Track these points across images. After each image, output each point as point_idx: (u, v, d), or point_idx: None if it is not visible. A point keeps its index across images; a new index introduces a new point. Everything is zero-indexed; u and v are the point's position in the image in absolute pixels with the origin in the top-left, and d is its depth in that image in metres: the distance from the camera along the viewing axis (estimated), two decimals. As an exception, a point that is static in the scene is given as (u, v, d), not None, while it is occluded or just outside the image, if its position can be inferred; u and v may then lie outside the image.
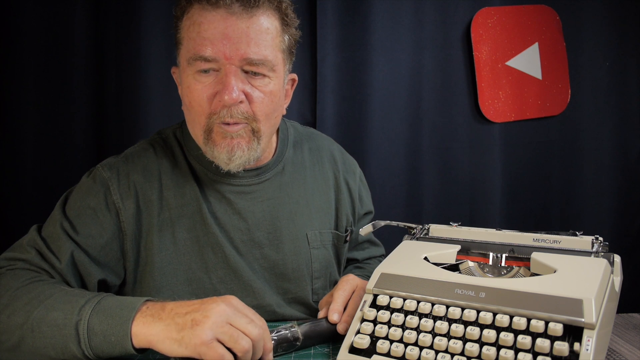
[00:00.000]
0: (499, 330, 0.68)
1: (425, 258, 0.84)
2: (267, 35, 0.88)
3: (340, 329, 0.83)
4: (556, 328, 0.64)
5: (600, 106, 1.79)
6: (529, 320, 0.67)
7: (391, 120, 1.70)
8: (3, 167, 1.55)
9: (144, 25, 1.55)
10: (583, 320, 0.63)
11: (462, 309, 0.72)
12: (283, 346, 0.80)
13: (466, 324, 0.71)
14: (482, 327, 0.69)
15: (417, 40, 1.70)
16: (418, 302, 0.75)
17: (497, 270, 0.84)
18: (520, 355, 0.64)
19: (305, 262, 1.04)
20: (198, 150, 0.96)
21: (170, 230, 0.95)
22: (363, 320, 0.77)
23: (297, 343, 0.81)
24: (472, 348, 0.67)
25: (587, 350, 0.61)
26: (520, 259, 0.84)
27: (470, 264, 0.86)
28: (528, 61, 1.76)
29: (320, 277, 1.06)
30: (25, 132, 1.55)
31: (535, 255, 0.80)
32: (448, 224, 0.95)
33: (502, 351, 0.65)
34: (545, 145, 1.79)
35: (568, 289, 0.68)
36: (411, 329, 0.73)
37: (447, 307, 0.73)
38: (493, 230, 0.90)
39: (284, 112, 1.00)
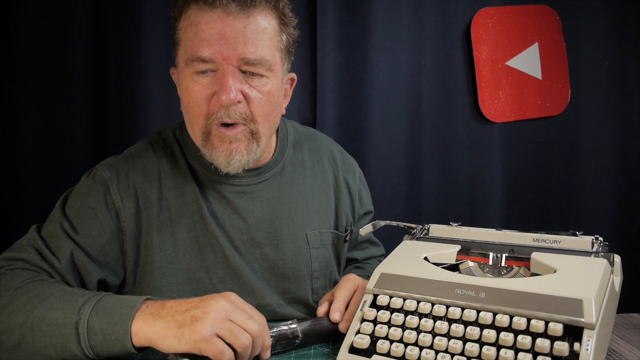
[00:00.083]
0: (499, 330, 0.68)
1: (425, 258, 0.84)
2: (264, 35, 0.88)
3: (341, 328, 0.83)
4: (556, 328, 0.64)
5: (600, 106, 1.79)
6: (529, 320, 0.67)
7: (391, 120, 1.70)
8: (3, 167, 1.55)
9: (144, 25, 1.55)
10: (583, 320, 0.63)
11: (462, 309, 0.72)
12: (282, 343, 0.80)
13: (466, 324, 0.71)
14: (482, 327, 0.69)
15: (417, 40, 1.70)
16: (418, 302, 0.75)
17: (497, 270, 0.84)
18: (520, 355, 0.64)
19: (305, 261, 1.04)
20: (197, 151, 0.96)
21: (170, 230, 0.95)
22: (363, 320, 0.77)
23: (297, 341, 0.81)
24: (472, 348, 0.67)
25: (587, 350, 0.61)
26: (520, 259, 0.84)
27: (470, 264, 0.86)
28: (528, 61, 1.76)
29: (320, 277, 1.06)
30: (25, 132, 1.55)
31: (535, 255, 0.80)
32: (448, 224, 0.95)
33: (502, 351, 0.65)
34: (545, 145, 1.79)
35: (568, 289, 0.68)
36: (411, 329, 0.73)
37: (447, 307, 0.73)
38: (493, 230, 0.90)
39: (283, 111, 1.00)
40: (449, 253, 0.87)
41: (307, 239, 1.04)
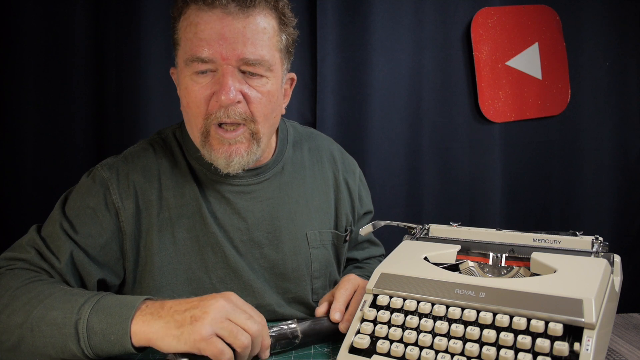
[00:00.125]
0: (499, 330, 0.68)
1: (425, 258, 0.84)
2: (263, 35, 0.88)
3: (342, 328, 0.83)
4: (556, 328, 0.64)
5: (600, 106, 1.79)
6: (529, 320, 0.67)
7: (391, 120, 1.70)
8: (3, 167, 1.55)
9: (144, 25, 1.55)
10: (583, 320, 0.63)
11: (462, 309, 0.72)
12: (281, 343, 0.80)
13: (466, 324, 0.71)
14: (482, 327, 0.69)
15: (417, 40, 1.70)
16: (418, 302, 0.75)
17: (497, 270, 0.84)
18: (520, 355, 0.64)
19: (304, 261, 1.04)
20: (197, 151, 0.96)
21: (170, 230, 0.95)
22: (363, 320, 0.77)
23: (296, 341, 0.81)
24: (472, 348, 0.67)
25: (587, 350, 0.61)
26: (520, 259, 0.84)
27: (470, 264, 0.86)
28: (528, 61, 1.76)
29: (320, 276, 1.06)
30: (25, 132, 1.55)
31: (535, 255, 0.80)
32: (448, 224, 0.95)
33: (502, 351, 0.65)
34: (545, 145, 1.79)
35: (568, 289, 0.68)
36: (411, 329, 0.73)
37: (447, 307, 0.73)
38: (493, 230, 0.90)
39: (283, 111, 1.00)
40: (449, 253, 0.87)
41: (307, 239, 1.04)
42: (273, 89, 0.92)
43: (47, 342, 0.73)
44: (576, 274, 0.72)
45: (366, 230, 0.97)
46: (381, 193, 1.69)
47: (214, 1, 0.84)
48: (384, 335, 0.74)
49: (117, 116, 1.58)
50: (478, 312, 0.71)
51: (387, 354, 0.72)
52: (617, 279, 0.77)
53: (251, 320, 0.73)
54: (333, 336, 0.85)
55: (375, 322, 0.77)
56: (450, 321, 0.72)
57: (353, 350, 0.75)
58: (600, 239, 0.82)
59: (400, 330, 0.73)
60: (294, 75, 1.03)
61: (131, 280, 0.95)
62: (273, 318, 0.99)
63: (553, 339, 0.64)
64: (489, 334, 0.67)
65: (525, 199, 1.80)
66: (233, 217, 0.98)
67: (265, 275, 1.01)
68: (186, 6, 0.88)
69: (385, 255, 1.19)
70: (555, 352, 0.63)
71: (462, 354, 0.68)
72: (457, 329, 0.70)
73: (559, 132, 1.79)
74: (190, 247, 0.96)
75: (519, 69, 1.75)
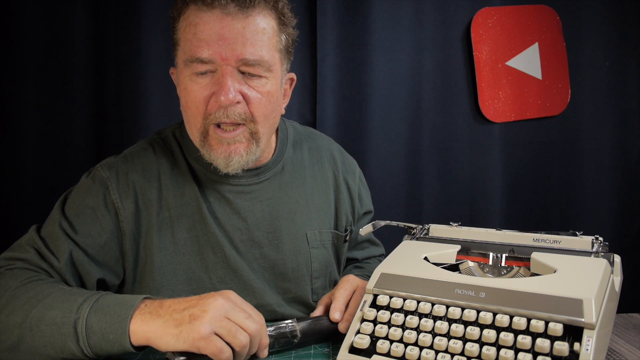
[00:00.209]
0: (499, 330, 0.68)
1: (425, 258, 0.84)
2: (263, 36, 0.87)
3: (341, 327, 0.83)
4: (556, 328, 0.64)
5: (600, 106, 1.79)
6: (529, 320, 0.67)
7: (391, 120, 1.70)
8: (3, 167, 1.55)
9: (144, 25, 1.55)
10: (583, 320, 0.63)
11: (462, 309, 0.72)
12: (280, 342, 0.80)
13: (466, 324, 0.71)
14: (482, 327, 0.69)
15: (417, 40, 1.70)
16: (418, 302, 0.75)
17: (497, 270, 0.84)
18: (520, 355, 0.64)
19: (304, 261, 1.04)
20: (197, 151, 0.96)
21: (169, 230, 0.95)
22: (363, 320, 0.77)
23: (295, 340, 0.81)
24: (472, 348, 0.67)
25: (587, 350, 0.61)
26: (520, 259, 0.84)
27: (470, 264, 0.86)
28: (528, 61, 1.76)
29: (320, 276, 1.06)
30: (25, 132, 1.55)
31: (535, 255, 0.80)
32: (448, 224, 0.95)
33: (502, 351, 0.65)
34: (545, 145, 1.79)
35: (568, 289, 0.68)
36: (411, 329, 0.73)
37: (447, 307, 0.73)
38: (493, 230, 0.90)
39: (283, 111, 1.00)
40: (449, 253, 0.87)
41: (307, 238, 1.04)
42: (273, 89, 0.92)
43: (47, 341, 0.73)
44: (576, 274, 0.72)
45: (366, 230, 0.97)
46: (381, 193, 1.69)
47: (213, 1, 0.84)
48: (384, 335, 0.74)
49: (117, 116, 1.58)
50: (478, 312, 0.71)
51: (387, 354, 0.72)
52: (617, 279, 0.77)
53: (250, 319, 0.73)
54: (333, 335, 0.85)
55: (375, 322, 0.76)
56: (450, 321, 0.72)
57: (353, 350, 0.75)
58: (600, 239, 0.82)
59: (400, 330, 0.73)
60: (293, 75, 1.03)
61: (131, 280, 0.95)
62: (273, 318, 0.99)
63: (553, 339, 0.64)
64: (489, 334, 0.67)
65: (525, 199, 1.80)
66: (233, 217, 0.98)
67: (265, 275, 1.01)
68: (185, 6, 0.88)
69: (385, 255, 1.19)
70: (555, 352, 0.63)
71: (462, 354, 0.68)
72: (457, 329, 0.70)
73: (559, 132, 1.79)
74: (190, 247, 0.96)
75: (519, 69, 1.75)
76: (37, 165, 1.56)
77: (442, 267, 0.81)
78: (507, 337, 0.66)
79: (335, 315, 0.84)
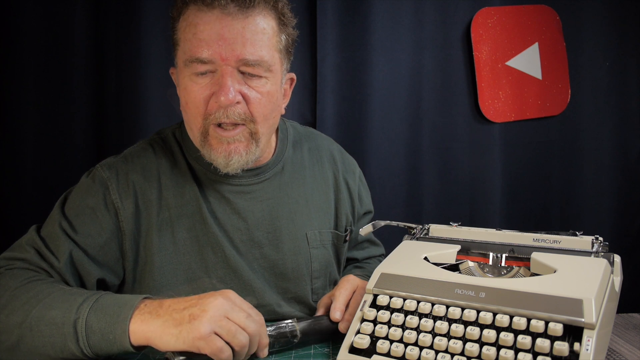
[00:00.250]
0: (499, 330, 0.68)
1: (425, 258, 0.84)
2: (263, 36, 0.88)
3: (341, 327, 0.83)
4: (556, 328, 0.64)
5: (600, 106, 1.79)
6: (529, 320, 0.67)
7: (391, 120, 1.70)
8: (3, 167, 1.55)
9: (144, 25, 1.55)
10: (583, 320, 0.63)
11: (462, 309, 0.72)
12: (280, 342, 0.80)
13: (466, 324, 0.71)
14: (482, 327, 0.69)
15: (417, 40, 1.70)
16: (418, 302, 0.75)
17: (497, 270, 0.84)
18: (520, 355, 0.64)
19: (304, 261, 1.04)
20: (197, 151, 0.96)
21: (169, 230, 0.95)
22: (363, 320, 0.77)
23: (295, 340, 0.81)
24: (472, 348, 0.67)
25: (587, 350, 0.61)
26: (520, 259, 0.84)
27: (470, 264, 0.86)
28: (528, 61, 1.76)
29: (320, 276, 1.06)
30: (25, 132, 1.55)
31: (535, 255, 0.80)
32: (448, 224, 0.95)
33: (502, 351, 0.65)
34: (545, 145, 1.79)
35: (568, 289, 0.68)
36: (411, 329, 0.73)
37: (447, 307, 0.73)
38: (493, 230, 0.90)
39: (283, 111, 1.01)
40: (449, 253, 0.87)
41: (307, 238, 1.04)
42: (272, 90, 0.92)
43: (46, 341, 0.73)
44: (576, 274, 0.72)
45: (366, 230, 0.97)
46: (381, 193, 1.69)
47: (213, 2, 0.84)
48: (384, 335, 0.74)
49: (117, 116, 1.58)
50: (478, 312, 0.71)
51: (387, 354, 0.72)
52: (617, 279, 0.77)
53: (249, 319, 0.73)
54: (333, 335, 0.85)
55: (375, 322, 0.76)
56: (450, 321, 0.72)
57: (353, 350, 0.75)
58: (600, 239, 0.82)
59: (400, 330, 0.73)
60: (293, 75, 1.03)
61: (131, 280, 0.95)
62: (273, 318, 0.99)
63: (553, 339, 0.64)
64: (489, 334, 0.67)
65: (525, 199, 1.80)
66: (233, 217, 0.98)
67: (265, 275, 1.01)
68: (185, 7, 0.88)
69: (385, 255, 1.19)
70: (555, 352, 0.63)
71: (462, 354, 0.68)
72: (457, 329, 0.70)
73: (559, 132, 1.79)
74: (190, 247, 0.96)
75: (519, 69, 1.75)
76: (37, 165, 1.56)
77: (442, 267, 0.81)
78: (507, 337, 0.66)
79: (335, 314, 0.84)
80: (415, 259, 0.84)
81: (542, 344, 0.64)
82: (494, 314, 0.69)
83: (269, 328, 0.79)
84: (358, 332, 0.76)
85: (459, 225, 0.94)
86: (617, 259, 0.78)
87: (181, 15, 0.89)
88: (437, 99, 1.73)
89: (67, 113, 1.56)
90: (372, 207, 1.22)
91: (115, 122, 1.59)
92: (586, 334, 0.63)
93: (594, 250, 0.80)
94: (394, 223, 0.98)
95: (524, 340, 0.65)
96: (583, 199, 1.80)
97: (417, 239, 0.93)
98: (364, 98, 1.68)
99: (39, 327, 0.74)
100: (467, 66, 1.73)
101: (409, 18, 1.69)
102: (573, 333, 0.65)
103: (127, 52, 1.56)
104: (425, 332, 0.72)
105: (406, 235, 0.96)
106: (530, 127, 1.78)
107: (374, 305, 0.79)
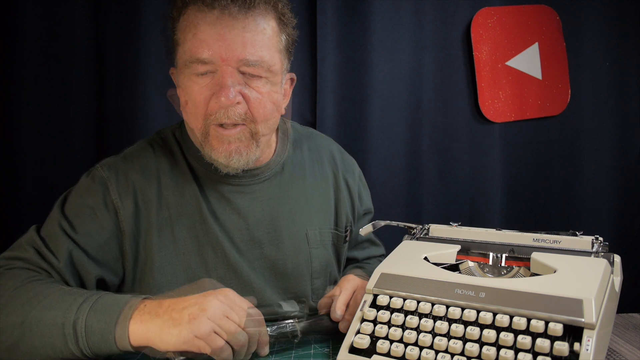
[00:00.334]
0: (499, 330, 0.68)
1: (425, 258, 0.84)
2: (263, 36, 0.88)
3: (341, 327, 0.83)
4: (556, 328, 0.64)
5: (600, 106, 1.79)
6: (529, 320, 0.67)
7: (391, 120, 1.70)
8: (3, 167, 1.55)
9: (144, 25, 1.55)
10: (583, 320, 0.63)
11: (462, 309, 0.72)
12: (281, 341, 0.80)
13: (466, 324, 0.71)
14: (482, 327, 0.69)
15: (417, 40, 1.70)
16: (418, 302, 0.75)
17: (497, 270, 0.84)
18: (520, 355, 0.64)
19: (304, 261, 1.04)
20: (197, 151, 0.96)
21: (169, 230, 0.95)
22: (363, 320, 0.77)
23: (295, 340, 0.81)
24: (472, 348, 0.67)
25: (587, 350, 0.61)
26: (520, 259, 0.84)
27: (470, 264, 0.86)
28: (528, 61, 1.75)
29: (320, 276, 1.06)
30: (25, 132, 1.55)
31: (535, 255, 0.80)
32: (448, 224, 0.95)
33: (502, 351, 0.65)
34: (545, 145, 1.79)
35: (568, 289, 0.68)
36: (411, 329, 0.73)
37: (447, 307, 0.73)
38: (493, 230, 0.90)
39: (283, 111, 1.00)
40: (449, 253, 0.87)
41: (307, 238, 1.04)
42: (273, 90, 0.92)
43: (46, 341, 0.73)
44: (576, 274, 0.72)
45: (366, 230, 0.98)
46: (381, 193, 1.68)
47: (213, 2, 0.84)
48: (384, 335, 0.74)
49: (117, 116, 1.58)
50: (478, 312, 0.71)
51: (387, 354, 0.72)
52: (617, 279, 0.77)
53: (249, 318, 0.73)
54: (333, 335, 0.85)
55: (375, 322, 0.76)
56: (450, 321, 0.72)
57: (353, 350, 0.75)
58: (600, 239, 0.82)
59: (400, 330, 0.73)
60: (293, 75, 1.03)
61: (131, 280, 0.95)
62: (273, 317, 0.99)
63: (553, 339, 0.64)
64: (489, 334, 0.67)
65: (525, 199, 1.80)
66: (233, 217, 0.98)
67: (265, 274, 1.01)
68: (186, 7, 0.88)
69: (385, 255, 1.19)
70: (555, 352, 0.63)
71: (462, 354, 0.68)
72: (457, 329, 0.70)
73: (559, 132, 1.79)
74: (190, 247, 0.96)
75: (519, 69, 1.75)
76: (37, 165, 1.56)
77: (442, 267, 0.81)
78: (507, 337, 0.66)
79: (336, 314, 0.84)
80: (415, 259, 0.84)
81: (542, 344, 0.64)
82: (494, 314, 0.69)
83: (270, 328, 0.79)
84: (358, 332, 0.76)
85: (459, 225, 0.94)
86: (617, 259, 0.78)
87: (181, 15, 0.89)
88: (437, 99, 1.73)
89: (67, 113, 1.56)
90: (372, 206, 1.22)
91: (115, 122, 1.59)
92: (586, 334, 0.63)
93: (594, 250, 0.80)
94: (394, 223, 0.98)
95: (524, 340, 0.65)
96: (583, 199, 1.80)
97: (417, 239, 0.93)
98: (364, 98, 1.68)
99: (39, 327, 0.74)
100: (467, 66, 1.73)
101: (409, 18, 1.69)
102: (573, 333, 0.65)
103: (127, 52, 1.56)
104: (425, 332, 0.72)
105: (406, 235, 0.96)
106: (530, 127, 1.78)
107: (374, 305, 0.79)
